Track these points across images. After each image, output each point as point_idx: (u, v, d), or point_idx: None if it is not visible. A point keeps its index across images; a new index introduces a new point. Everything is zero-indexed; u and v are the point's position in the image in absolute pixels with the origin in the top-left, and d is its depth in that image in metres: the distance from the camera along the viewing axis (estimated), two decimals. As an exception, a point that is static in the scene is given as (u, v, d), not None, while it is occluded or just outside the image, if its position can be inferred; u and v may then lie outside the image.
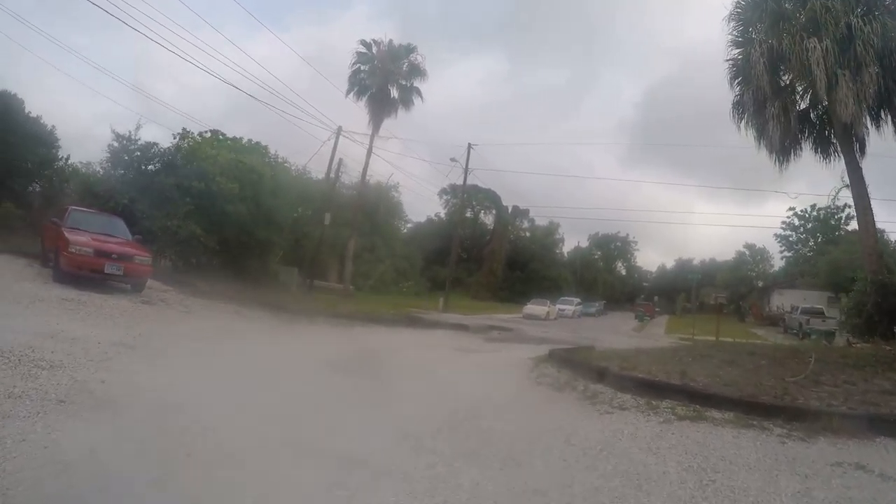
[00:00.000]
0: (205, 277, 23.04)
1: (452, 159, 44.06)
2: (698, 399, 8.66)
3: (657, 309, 72.42)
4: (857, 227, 57.72)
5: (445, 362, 12.65)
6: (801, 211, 71.27)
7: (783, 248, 75.02)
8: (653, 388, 9.36)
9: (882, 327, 16.67)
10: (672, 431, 7.29)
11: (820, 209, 70.03)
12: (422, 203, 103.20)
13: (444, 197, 72.07)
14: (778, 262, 75.97)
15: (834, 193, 18.59)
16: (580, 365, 12.24)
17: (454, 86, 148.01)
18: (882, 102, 17.11)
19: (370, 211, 53.44)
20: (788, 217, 73.05)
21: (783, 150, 18.72)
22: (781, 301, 54.45)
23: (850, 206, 66.33)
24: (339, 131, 34.74)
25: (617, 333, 35.81)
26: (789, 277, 61.65)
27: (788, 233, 74.29)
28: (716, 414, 8.11)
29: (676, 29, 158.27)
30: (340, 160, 35.24)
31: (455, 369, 12.38)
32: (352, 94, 39.41)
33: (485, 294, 65.26)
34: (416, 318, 25.09)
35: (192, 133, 28.05)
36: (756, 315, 55.80)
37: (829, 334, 28.93)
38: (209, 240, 23.56)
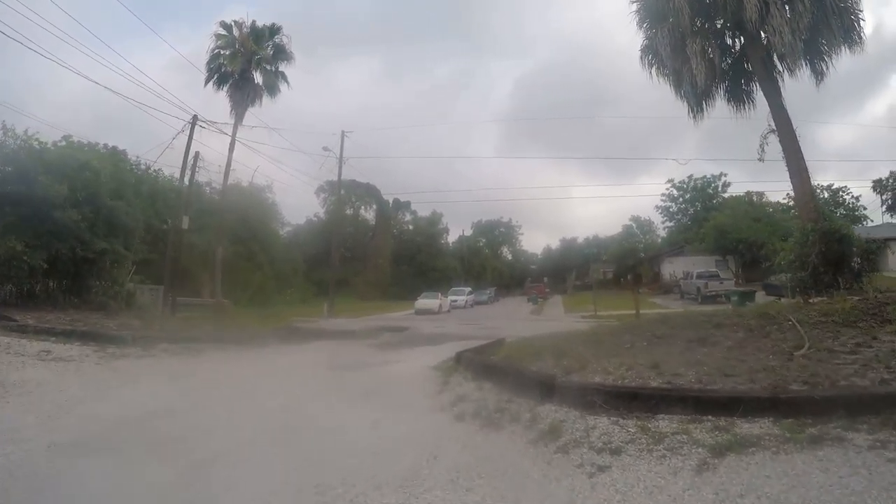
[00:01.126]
0: (35, 306, 18.80)
1: (325, 148, 40.32)
2: (709, 406, 5.65)
3: (548, 290, 71.36)
4: (733, 195, 59.52)
5: (317, 398, 8.33)
6: (680, 182, 73.25)
7: (665, 218, 76.83)
8: (631, 398, 6.15)
9: (828, 278, 14.74)
10: (730, 486, 4.08)
11: (696, 179, 71.77)
12: (300, 204, 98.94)
13: (322, 195, 67.77)
14: (661, 233, 77.55)
15: (763, 139, 16.22)
16: (504, 371, 9.02)
17: (331, 86, 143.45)
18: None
19: (243, 215, 48.97)
20: (668, 189, 74.93)
21: (705, 94, 16.59)
22: (672, 269, 54.39)
23: (725, 175, 70.11)
24: (194, 120, 30.29)
25: (518, 319, 33.56)
26: (676, 245, 62.16)
27: (669, 203, 75.97)
28: (753, 428, 5.10)
29: (545, 17, 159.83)
30: (197, 153, 30.61)
31: (330, 409, 7.67)
32: (212, 82, 34.89)
33: (373, 293, 61.76)
34: (294, 330, 21.39)
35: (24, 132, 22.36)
36: (648, 286, 55.40)
37: (746, 295, 27.26)
38: (35, 257, 19.23)
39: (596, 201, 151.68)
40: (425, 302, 42.01)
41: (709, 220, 58.54)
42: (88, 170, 21.36)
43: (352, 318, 33.12)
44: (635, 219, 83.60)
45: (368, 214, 74.23)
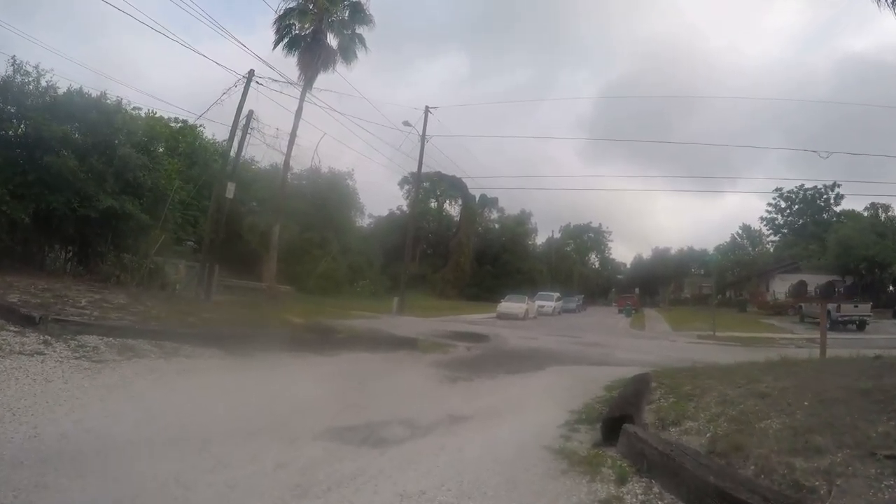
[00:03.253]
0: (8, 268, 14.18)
1: (406, 123, 34.52)
2: None
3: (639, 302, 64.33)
4: (847, 210, 51.51)
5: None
6: (788, 192, 64.89)
7: (770, 231, 68.27)
8: None
9: None
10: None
11: (806, 190, 63.21)
12: (385, 197, 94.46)
13: (406, 187, 62.53)
14: (767, 247, 68.54)
15: None
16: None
17: (414, 84, 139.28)
18: None
19: (320, 200, 44.39)
20: (774, 199, 66.55)
21: None
22: (783, 287, 46.77)
23: (839, 186, 62.39)
24: (250, 75, 25.18)
25: (620, 335, 27.53)
26: (785, 261, 53.98)
27: (774, 215, 67.52)
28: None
29: (632, 29, 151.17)
30: (251, 112, 25.43)
31: None
32: (281, 45, 29.78)
33: (451, 292, 56.22)
34: (347, 330, 15.96)
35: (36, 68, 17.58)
36: (759, 304, 47.71)
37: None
38: (16, 209, 14.45)
39: (688, 213, 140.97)
40: (510, 305, 35.81)
41: (824, 235, 52.04)
42: (97, 110, 16.26)
43: (422, 318, 28.01)
44: (745, 228, 74.27)
45: (453, 210, 68.58)
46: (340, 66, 30.00)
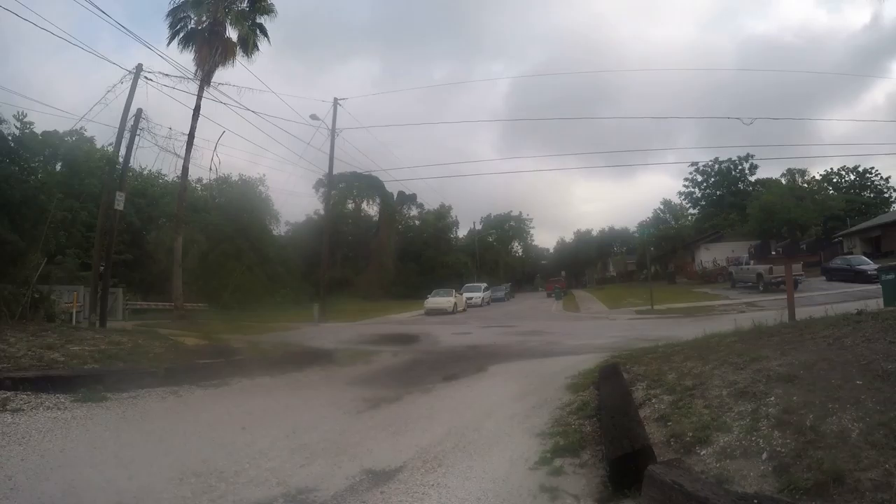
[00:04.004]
0: None
1: (314, 116, 31.28)
2: None
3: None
4: (769, 176, 52.21)
5: None
6: (704, 166, 65.29)
7: (689, 204, 68.61)
8: None
9: None
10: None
11: (721, 162, 63.95)
12: (300, 202, 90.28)
13: (322, 189, 59.16)
14: (687, 220, 68.61)
15: None
16: None
17: (326, 86, 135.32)
18: None
19: (233, 212, 41.51)
20: (691, 174, 66.90)
21: None
22: (710, 256, 46.85)
23: (752, 157, 63.43)
24: (138, 70, 21.96)
25: (558, 319, 26.00)
26: (706, 232, 53.98)
27: (692, 189, 67.80)
28: None
29: (543, 21, 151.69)
30: (140, 111, 22.19)
31: None
32: (176, 41, 26.39)
33: (377, 293, 53.45)
34: (252, 348, 13.22)
35: None
36: (688, 274, 47.39)
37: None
38: None
39: (605, 195, 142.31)
40: (437, 300, 33.60)
41: (744, 204, 52.53)
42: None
43: (346, 324, 25.63)
44: (666, 203, 74.31)
45: (372, 210, 65.65)
46: (242, 60, 26.98)
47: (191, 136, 26.20)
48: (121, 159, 22.88)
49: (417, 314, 31.85)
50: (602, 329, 18.75)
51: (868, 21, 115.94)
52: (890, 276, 14.65)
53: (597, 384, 7.36)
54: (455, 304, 34.10)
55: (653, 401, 5.99)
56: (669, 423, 5.04)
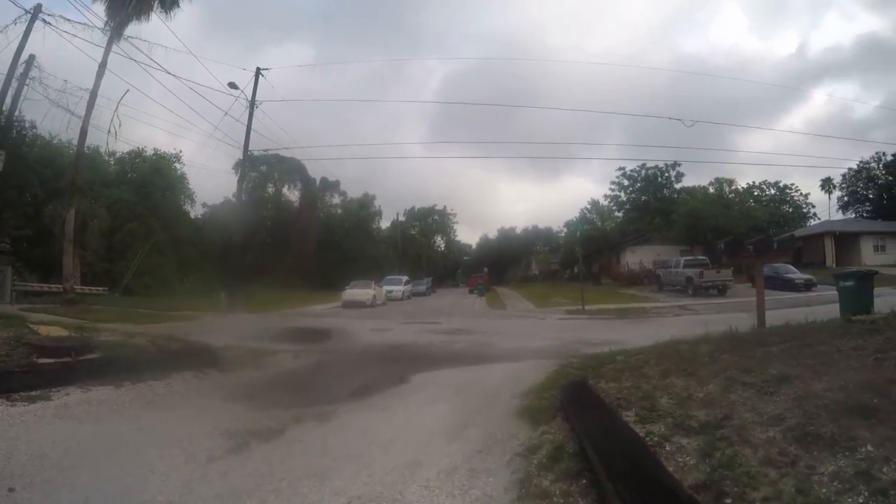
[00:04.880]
0: None
1: (232, 84, 27.73)
2: None
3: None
4: (694, 185, 52.35)
5: None
6: (631, 171, 65.30)
7: (615, 207, 68.04)
8: None
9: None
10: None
11: (648, 168, 64.27)
12: (219, 183, 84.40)
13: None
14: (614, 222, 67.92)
15: None
16: None
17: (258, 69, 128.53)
18: None
19: (144, 189, 37.93)
20: (617, 177, 66.62)
21: None
22: (635, 259, 46.19)
23: (679, 165, 62.30)
24: (37, 10, 18.56)
25: (483, 316, 23.97)
26: (631, 235, 53.31)
27: (618, 193, 67.37)
28: None
29: (479, 22, 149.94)
30: (32, 56, 18.85)
31: None
32: None
33: (296, 282, 50.17)
34: (123, 342, 10.37)
35: None
36: (614, 276, 46.33)
37: (865, 280, 16.01)
38: None
39: (530, 196, 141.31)
40: (355, 293, 30.88)
41: (670, 210, 52.67)
42: None
43: (255, 314, 22.96)
44: (594, 203, 71.76)
45: (293, 195, 61.94)
46: (160, 15, 23.78)
47: (94, 94, 23.04)
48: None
49: (335, 306, 29.20)
50: (535, 329, 16.86)
51: (794, 51, 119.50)
52: (849, 283, 13.21)
53: (562, 409, 5.24)
54: (374, 296, 31.58)
55: (666, 447, 3.88)
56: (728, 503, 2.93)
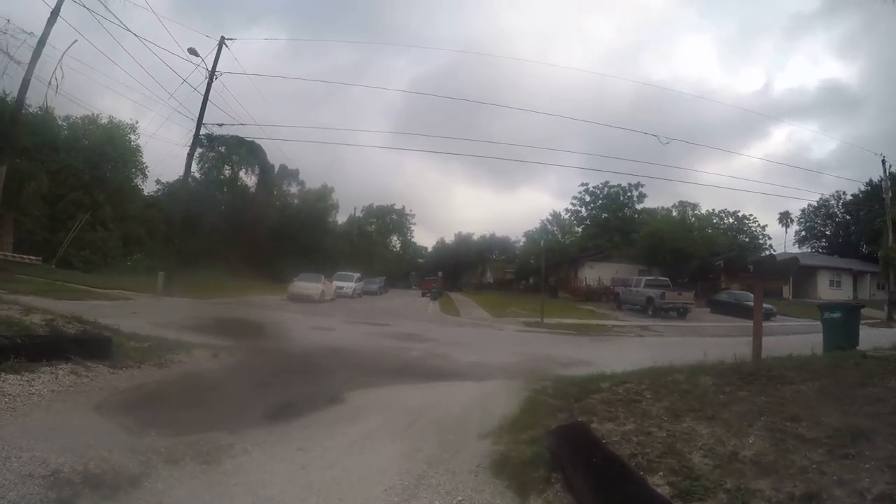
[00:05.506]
0: None
1: (191, 51, 25.18)
2: None
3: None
4: (654, 206, 52.37)
5: None
6: (594, 187, 64.43)
7: (575, 222, 67.10)
8: None
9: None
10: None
11: (611, 187, 63.58)
12: (176, 161, 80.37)
13: (200, 150, 52.51)
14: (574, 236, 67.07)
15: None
16: None
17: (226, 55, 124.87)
18: None
19: (95, 158, 34.92)
20: (580, 192, 65.50)
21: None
22: (593, 275, 45.56)
23: (642, 186, 60.75)
24: None
25: (436, 322, 22.30)
26: (589, 250, 52.41)
27: (579, 208, 66.60)
28: None
29: (450, 26, 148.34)
30: None
31: None
32: None
33: (245, 270, 47.75)
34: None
35: None
36: (571, 290, 45.01)
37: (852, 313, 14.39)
38: None
39: (487, 204, 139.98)
40: (304, 285, 28.62)
41: (631, 229, 52.27)
42: None
43: (192, 300, 20.98)
44: (556, 216, 70.48)
45: (250, 180, 59.32)
46: None
47: (41, 42, 20.96)
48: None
49: (281, 298, 27.15)
50: (493, 341, 15.40)
51: (759, 87, 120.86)
52: (835, 315, 12.07)
53: (559, 468, 3.68)
54: (323, 291, 29.55)
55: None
56: None
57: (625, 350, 14.17)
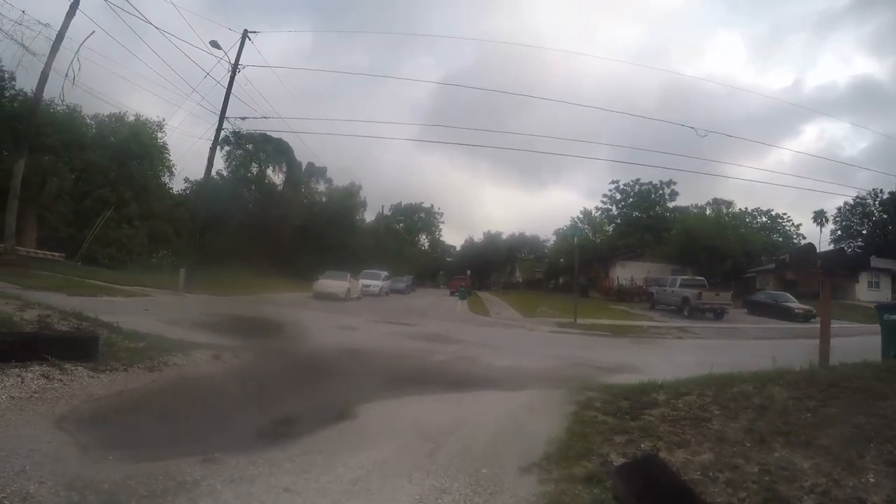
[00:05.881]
0: None
1: (213, 43, 24.54)
2: None
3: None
4: (686, 204, 50.89)
5: None
6: (625, 185, 63.06)
7: (605, 221, 65.32)
8: None
9: None
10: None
11: (642, 184, 62.00)
12: (203, 160, 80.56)
13: (227, 148, 52.25)
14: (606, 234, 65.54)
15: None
16: None
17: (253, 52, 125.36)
18: None
19: (121, 155, 34.58)
20: (610, 190, 64.38)
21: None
22: (625, 274, 44.41)
23: (674, 183, 59.59)
24: None
25: (465, 321, 21.39)
26: (620, 249, 50.98)
27: (609, 206, 65.07)
28: None
29: (475, 22, 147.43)
30: None
31: None
32: None
33: (271, 268, 47.27)
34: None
35: None
36: (602, 290, 43.70)
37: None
38: None
39: (515, 203, 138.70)
40: (329, 283, 27.85)
41: (665, 227, 51.80)
42: None
43: (213, 297, 20.24)
44: (587, 214, 67.83)
45: (277, 178, 58.89)
46: None
47: (60, 36, 20.85)
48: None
49: (305, 296, 26.43)
50: (525, 342, 14.43)
51: (789, 84, 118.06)
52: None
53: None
54: (349, 289, 28.73)
55: None
56: None
57: (666, 353, 13.10)
